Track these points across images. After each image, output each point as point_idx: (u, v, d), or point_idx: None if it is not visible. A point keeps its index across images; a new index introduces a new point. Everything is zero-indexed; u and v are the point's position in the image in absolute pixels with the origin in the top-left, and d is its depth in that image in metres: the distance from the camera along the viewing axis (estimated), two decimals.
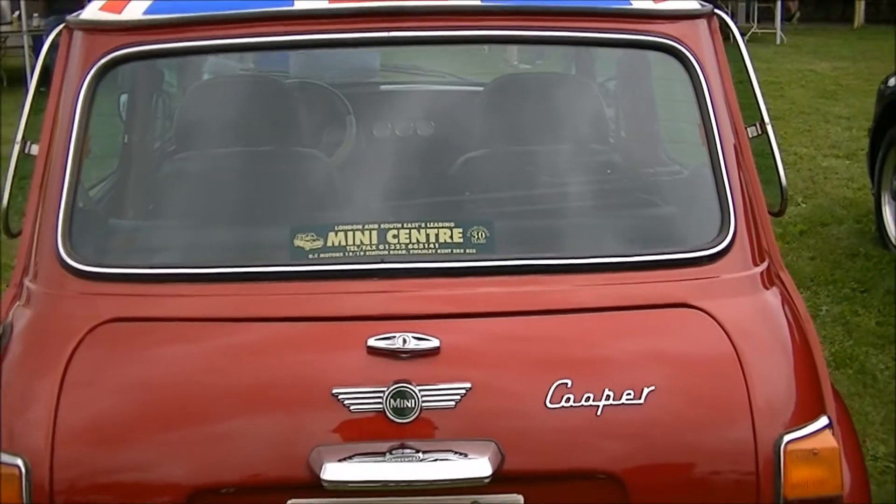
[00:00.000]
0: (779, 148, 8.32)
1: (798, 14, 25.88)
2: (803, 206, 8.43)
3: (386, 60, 4.04)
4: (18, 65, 17.51)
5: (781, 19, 22.36)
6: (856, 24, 24.43)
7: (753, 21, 23.48)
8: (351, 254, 2.45)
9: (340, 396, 2.23)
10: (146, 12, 2.63)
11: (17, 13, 17.77)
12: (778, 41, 21.50)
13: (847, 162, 9.74)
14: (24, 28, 17.00)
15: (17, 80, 16.96)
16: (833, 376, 4.92)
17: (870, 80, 13.49)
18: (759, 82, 3.00)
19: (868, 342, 5.55)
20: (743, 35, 11.19)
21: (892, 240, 7.08)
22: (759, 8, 23.92)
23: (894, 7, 24.99)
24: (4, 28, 18.55)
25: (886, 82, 7.57)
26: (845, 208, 8.28)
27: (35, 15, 17.05)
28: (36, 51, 17.38)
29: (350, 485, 2.18)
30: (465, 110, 3.41)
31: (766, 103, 2.91)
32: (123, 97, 3.29)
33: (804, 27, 24.16)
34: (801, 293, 5.90)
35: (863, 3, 25.18)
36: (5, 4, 20.79)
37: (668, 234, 2.68)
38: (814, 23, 24.89)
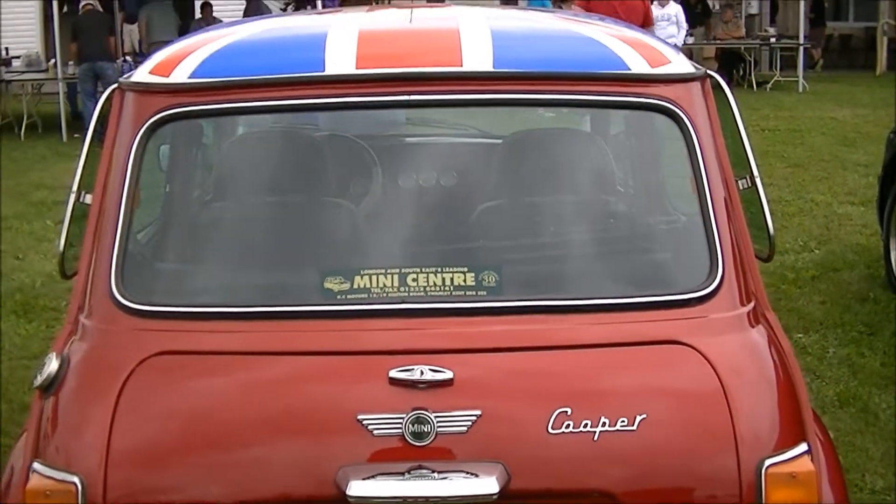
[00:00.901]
0: (797, 195, 8.63)
1: (821, 62, 26.05)
2: (817, 252, 8.65)
3: (411, 114, 4.29)
4: (53, 111, 17.92)
5: (804, 67, 22.50)
6: (878, 71, 24.57)
7: (776, 69, 23.65)
8: (375, 295, 2.72)
9: (365, 422, 2.49)
10: (191, 76, 2.89)
11: (52, 61, 18.17)
12: (800, 89, 21.61)
13: (862, 209, 9.93)
14: (60, 75, 17.40)
15: (53, 126, 17.39)
16: (836, 414, 5.18)
17: (889, 127, 13.67)
18: (749, 137, 3.27)
19: (872, 382, 5.77)
20: (766, 83, 11.51)
21: None
22: (781, 56, 24.11)
23: None
24: (40, 75, 18.99)
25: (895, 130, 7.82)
26: (858, 254, 8.49)
27: (70, 63, 17.44)
28: (70, 97, 17.78)
29: (373, 500, 2.44)
30: (483, 162, 3.67)
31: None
32: (164, 148, 3.57)
33: (827, 74, 24.28)
34: (810, 336, 6.20)
35: (885, 51, 25.37)
36: (40, 52, 21.29)
37: (661, 277, 2.94)
38: (837, 70, 25.06)
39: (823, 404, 5.44)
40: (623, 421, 2.51)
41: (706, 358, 2.61)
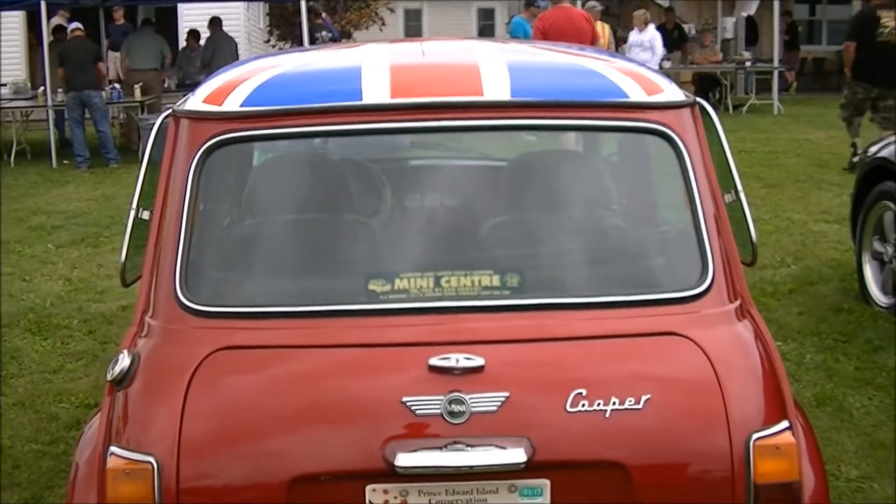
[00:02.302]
0: (774, 214, 9.08)
1: (795, 84, 26.54)
2: (794, 267, 8.97)
3: (435, 140, 4.60)
4: (42, 138, 18.19)
5: (779, 90, 22.96)
6: None
7: (752, 92, 24.11)
8: (413, 295, 3.09)
9: (408, 403, 2.85)
10: (242, 105, 3.23)
11: (41, 88, 18.42)
12: (776, 111, 22.02)
13: (837, 226, 10.23)
14: (49, 103, 17.66)
15: (42, 152, 17.61)
16: (814, 413, 5.55)
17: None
18: (734, 158, 3.67)
19: (846, 385, 6.11)
20: (742, 106, 12.04)
21: (873, 296, 7.65)
22: (757, 79, 24.58)
23: None
24: (29, 102, 19.25)
25: (867, 151, 8.22)
26: (832, 269, 8.82)
27: (59, 90, 17.72)
28: (58, 124, 18.06)
29: (417, 469, 2.80)
30: (499, 181, 4.04)
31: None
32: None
33: (802, 97, 24.72)
34: (789, 344, 6.59)
35: None
36: (26, 80, 21.58)
37: (660, 278, 3.32)
38: (811, 93, 25.51)
39: (802, 404, 5.73)
40: (631, 401, 2.89)
41: (700, 347, 2.99)
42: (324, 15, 22.97)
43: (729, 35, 26.43)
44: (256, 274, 3.37)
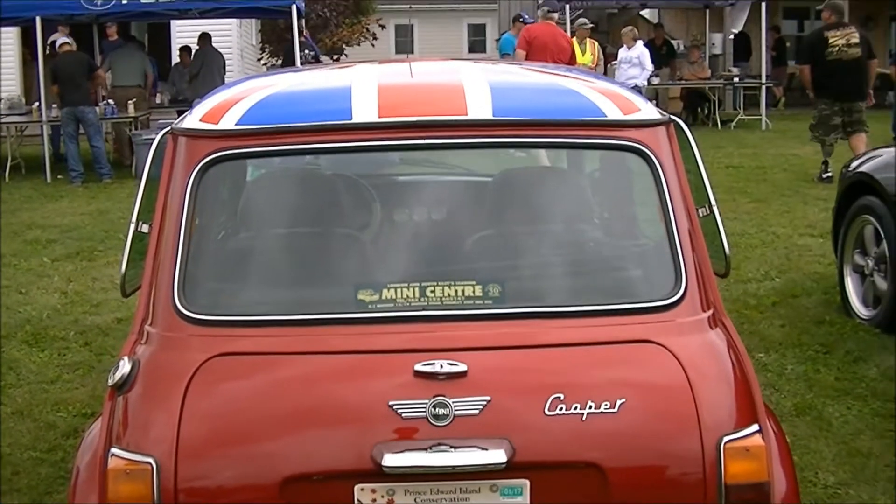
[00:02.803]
0: (759, 228, 9.24)
1: (783, 100, 26.76)
2: (777, 280, 9.12)
3: (422, 158, 4.77)
4: (36, 153, 18.27)
5: (767, 106, 23.14)
6: None
7: (740, 108, 24.31)
8: (400, 304, 3.25)
9: (395, 407, 3.00)
10: (238, 123, 3.39)
11: (36, 104, 18.56)
12: (764, 127, 22.22)
13: (821, 240, 10.36)
14: (44, 118, 17.81)
15: (36, 167, 17.70)
16: (793, 422, 5.70)
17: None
18: (714, 174, 3.84)
19: (826, 395, 6.25)
20: (730, 121, 12.32)
21: (854, 308, 7.81)
22: (745, 95, 24.77)
23: (877, 93, 25.80)
24: (23, 118, 19.40)
25: (848, 166, 8.38)
26: (816, 282, 8.95)
27: (53, 106, 17.85)
28: (54, 140, 18.18)
29: (403, 469, 2.95)
30: (483, 196, 4.20)
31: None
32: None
33: (790, 113, 24.85)
34: (770, 355, 6.74)
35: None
36: (20, 95, 21.72)
37: (636, 289, 3.47)
38: (799, 108, 25.63)
39: (782, 414, 5.92)
40: (606, 404, 3.03)
41: (673, 354, 3.14)
42: (305, 33, 23.16)
43: (717, 51, 26.65)
44: (251, 284, 3.52)
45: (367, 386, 3.10)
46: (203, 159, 3.38)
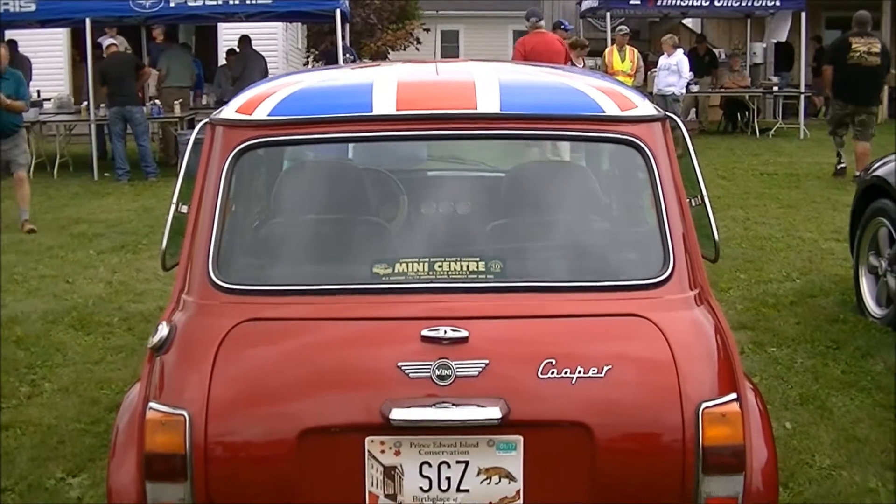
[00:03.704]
0: (786, 232, 9.60)
1: (824, 109, 26.81)
2: (798, 281, 9.38)
3: (432, 151, 5.19)
4: (84, 151, 18.77)
5: (805, 115, 23.30)
6: (879, 118, 25.21)
7: (779, 117, 24.50)
8: (410, 277, 3.59)
9: (403, 368, 3.32)
10: (270, 114, 3.73)
11: (84, 103, 19.04)
12: (802, 136, 22.41)
13: (845, 244, 10.34)
14: (92, 118, 18.28)
15: (84, 165, 18.22)
16: (796, 411, 5.99)
17: None
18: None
19: (831, 386, 6.52)
20: (769, 130, 12.70)
21: (868, 307, 8.08)
22: (784, 104, 24.96)
23: None
24: (72, 117, 19.90)
25: (867, 169, 8.65)
26: (835, 283, 9.20)
27: (102, 105, 18.31)
28: (99, 138, 18.62)
29: (409, 422, 3.27)
30: (485, 188, 4.55)
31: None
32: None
33: None
34: (782, 350, 7.04)
35: (886, 99, 26.08)
36: (69, 95, 22.22)
37: (627, 269, 3.78)
38: None
39: (787, 402, 6.23)
40: (594, 370, 3.34)
41: (658, 327, 3.44)
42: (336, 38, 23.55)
43: (758, 60, 26.77)
44: (277, 259, 3.88)
45: (378, 349, 3.42)
46: (238, 146, 3.72)
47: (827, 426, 5.91)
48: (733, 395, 3.43)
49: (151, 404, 3.41)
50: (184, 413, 3.34)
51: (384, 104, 3.75)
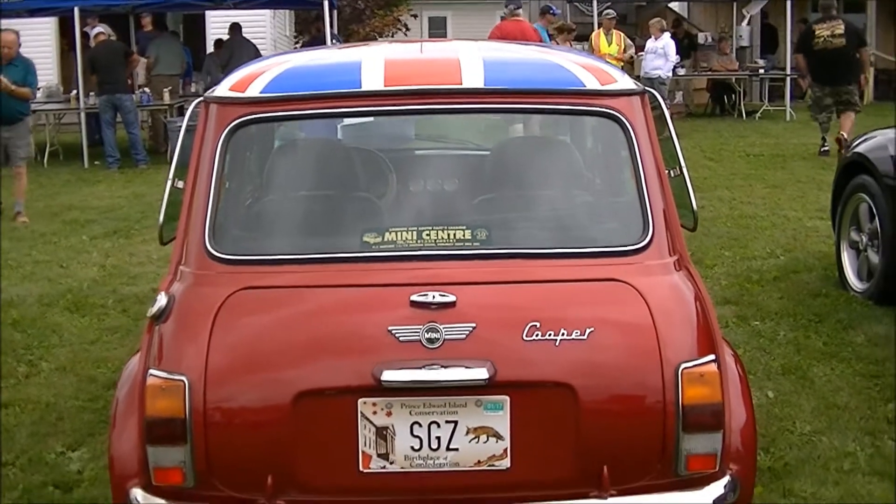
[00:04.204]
0: (771, 211, 9.76)
1: (809, 92, 26.93)
2: (782, 258, 9.53)
3: (419, 131, 5.35)
4: (73, 140, 18.83)
5: (791, 97, 23.44)
6: (865, 101, 25.37)
7: (765, 99, 24.64)
8: (400, 245, 3.72)
9: (394, 332, 3.45)
10: (262, 91, 3.85)
11: (74, 92, 19.10)
12: (788, 118, 22.55)
13: (829, 223, 10.51)
14: (82, 106, 18.35)
15: (73, 154, 18.29)
16: (778, 380, 6.14)
17: None
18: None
19: (813, 357, 6.68)
20: (755, 112, 12.89)
21: (849, 282, 8.24)
22: (770, 87, 25.09)
23: None
24: (61, 106, 19.96)
25: (849, 146, 8.80)
26: (818, 260, 9.35)
27: (91, 94, 18.40)
28: (89, 126, 18.67)
29: (400, 383, 3.40)
30: (470, 164, 4.70)
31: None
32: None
33: None
34: (765, 323, 7.20)
35: (871, 82, 26.23)
36: (58, 84, 22.26)
37: (609, 236, 3.90)
38: None
39: (769, 373, 6.38)
40: (577, 332, 3.47)
41: (639, 291, 3.57)
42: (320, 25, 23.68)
43: (744, 43, 26.90)
44: (271, 230, 4.03)
45: (369, 314, 3.56)
46: (231, 122, 3.84)
47: (808, 395, 6.06)
48: (711, 357, 3.57)
49: (152, 371, 3.54)
50: (183, 378, 3.47)
51: (372, 81, 3.88)
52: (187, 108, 4.48)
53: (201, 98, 4.12)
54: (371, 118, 4.40)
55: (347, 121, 5.35)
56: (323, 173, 4.29)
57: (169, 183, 4.10)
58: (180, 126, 11.95)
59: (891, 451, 5.28)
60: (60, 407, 6.15)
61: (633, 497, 3.55)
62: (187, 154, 4.01)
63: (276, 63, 4.13)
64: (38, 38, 23.48)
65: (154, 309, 3.64)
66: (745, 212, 11.91)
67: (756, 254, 9.69)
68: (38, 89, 20.55)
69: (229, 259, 3.68)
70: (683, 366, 3.51)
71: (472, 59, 4.03)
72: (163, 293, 3.68)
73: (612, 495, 3.51)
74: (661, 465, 3.52)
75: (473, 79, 3.88)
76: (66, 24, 20.52)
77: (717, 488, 3.60)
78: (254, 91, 3.88)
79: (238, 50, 20.26)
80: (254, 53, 20.29)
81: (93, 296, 8.81)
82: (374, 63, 4.03)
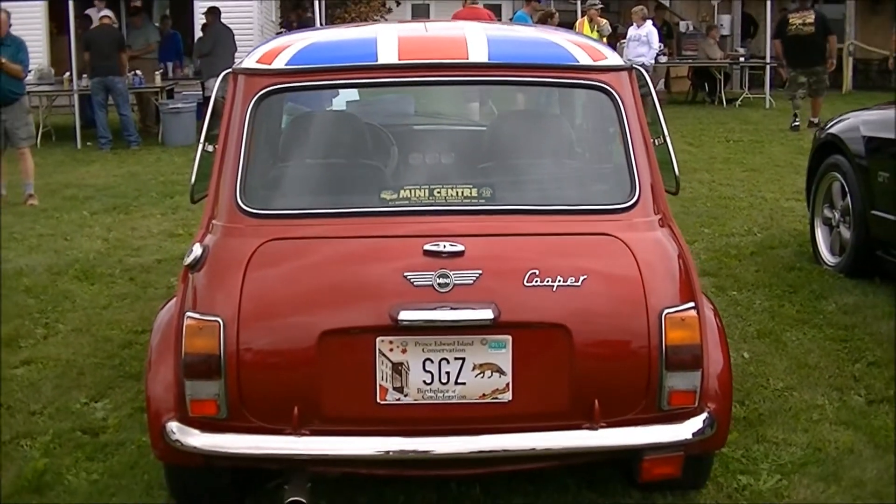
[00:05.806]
0: (749, 193, 10.24)
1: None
2: (759, 235, 9.92)
3: (425, 108, 5.81)
4: (65, 122, 19.10)
5: (771, 85, 23.80)
6: (843, 90, 25.73)
7: (745, 87, 25.02)
8: (413, 201, 4.13)
9: (409, 277, 3.85)
10: (287, 64, 4.26)
11: (66, 74, 19.33)
12: (767, 105, 22.87)
13: (805, 204, 10.90)
14: (75, 88, 18.58)
15: (65, 136, 18.47)
16: (754, 343, 6.54)
17: None
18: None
19: (786, 324, 7.09)
20: (735, 100, 13.39)
21: (822, 256, 8.65)
22: (750, 75, 25.46)
23: (882, 74, 26.52)
24: (53, 87, 20.18)
25: (823, 128, 9.21)
26: (793, 237, 9.75)
27: (84, 76, 18.66)
28: (82, 108, 18.92)
29: (414, 322, 3.80)
30: (480, 139, 5.15)
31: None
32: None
33: None
34: (742, 293, 7.66)
35: (850, 71, 26.67)
36: (49, 67, 22.43)
37: (600, 197, 4.32)
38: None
39: (745, 337, 6.78)
40: (572, 279, 3.88)
41: (626, 244, 3.99)
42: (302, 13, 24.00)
43: (725, 32, 27.28)
44: (296, 188, 4.45)
45: (386, 262, 3.95)
46: (259, 92, 4.25)
47: (781, 356, 6.47)
48: (691, 304, 3.98)
49: (188, 313, 3.92)
50: (218, 319, 3.86)
51: (388, 55, 4.29)
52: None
53: (229, 70, 4.50)
54: (377, 97, 4.85)
55: (354, 98, 5.81)
56: (345, 140, 4.73)
57: (200, 147, 4.49)
58: (172, 109, 12.60)
59: (856, 404, 5.70)
60: (80, 363, 6.51)
61: (621, 429, 3.96)
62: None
63: (300, 38, 4.54)
64: (28, 21, 23.65)
65: (189, 258, 4.02)
66: (724, 193, 12.30)
67: (734, 231, 10.09)
68: (30, 71, 20.95)
69: (258, 213, 4.07)
70: (666, 310, 3.92)
71: (477, 37, 4.45)
72: (197, 244, 4.06)
73: (602, 427, 3.92)
74: (646, 400, 3.93)
75: (479, 54, 4.30)
76: (56, 7, 20.65)
77: (697, 423, 4.01)
78: (279, 63, 4.28)
79: (222, 37, 20.13)
80: (233, 40, 20.18)
81: (100, 266, 9.14)
82: (388, 39, 4.44)
